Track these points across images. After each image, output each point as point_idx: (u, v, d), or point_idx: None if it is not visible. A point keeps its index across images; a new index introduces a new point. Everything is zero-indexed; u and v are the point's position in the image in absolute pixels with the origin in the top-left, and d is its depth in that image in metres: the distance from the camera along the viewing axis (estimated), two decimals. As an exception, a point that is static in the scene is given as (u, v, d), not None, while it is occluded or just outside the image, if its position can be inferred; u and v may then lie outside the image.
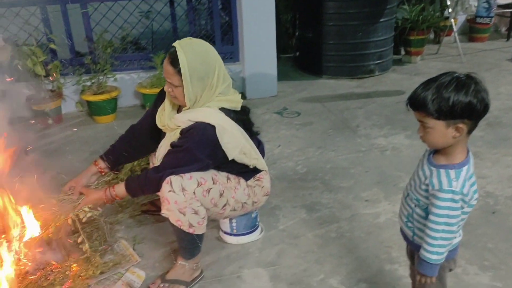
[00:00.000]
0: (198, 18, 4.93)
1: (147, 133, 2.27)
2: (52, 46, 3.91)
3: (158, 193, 1.95)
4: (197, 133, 1.89)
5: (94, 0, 4.15)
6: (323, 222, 2.51)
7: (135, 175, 2.41)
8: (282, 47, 5.22)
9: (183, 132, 1.93)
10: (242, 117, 2.05)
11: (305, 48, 5.30)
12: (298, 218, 2.55)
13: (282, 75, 4.70)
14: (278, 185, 2.84)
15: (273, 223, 2.51)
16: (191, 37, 2.00)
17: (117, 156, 2.34)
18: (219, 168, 2.04)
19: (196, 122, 1.91)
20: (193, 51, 1.87)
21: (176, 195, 1.89)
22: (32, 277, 1.97)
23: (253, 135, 2.13)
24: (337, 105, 4.20)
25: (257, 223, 2.39)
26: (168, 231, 2.42)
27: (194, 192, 1.91)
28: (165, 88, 1.99)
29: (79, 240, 2.12)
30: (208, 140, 1.89)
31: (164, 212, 1.95)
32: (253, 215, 2.34)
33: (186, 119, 1.95)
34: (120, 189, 2.04)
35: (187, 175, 1.91)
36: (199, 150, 1.90)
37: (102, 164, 2.32)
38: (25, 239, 2.05)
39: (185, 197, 1.89)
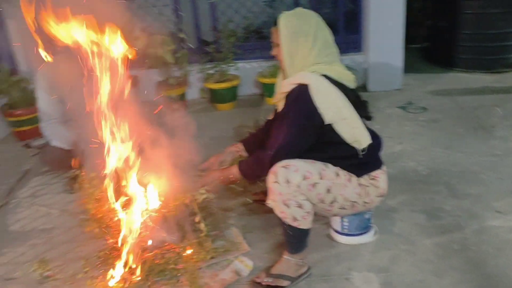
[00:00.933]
0: (322, 7, 4.82)
1: None
2: (182, 35, 4.12)
3: None
4: (293, 94, 1.92)
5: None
6: (444, 230, 2.29)
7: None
8: (410, 37, 4.87)
9: (286, 97, 1.96)
10: (348, 92, 1.95)
11: (437, 38, 4.91)
12: (416, 223, 2.36)
13: (409, 67, 4.40)
14: (396, 185, 2.65)
15: (388, 226, 2.35)
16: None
17: (251, 144, 2.42)
18: (323, 152, 1.96)
19: (296, 85, 1.92)
20: (293, 12, 1.98)
21: (280, 186, 1.87)
22: (149, 254, 2.10)
23: (362, 116, 2.01)
24: (469, 101, 3.80)
25: (370, 224, 2.26)
26: (278, 222, 2.41)
27: (298, 185, 1.87)
28: (272, 53, 2.05)
29: (197, 219, 2.20)
30: (302, 100, 1.88)
31: (269, 202, 1.95)
32: (367, 216, 2.21)
33: (288, 83, 1.96)
34: (234, 169, 2.10)
35: (293, 167, 1.87)
36: (295, 110, 1.90)
37: (240, 147, 2.42)
38: (147, 214, 2.18)
39: (289, 189, 1.87)
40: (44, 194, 3.04)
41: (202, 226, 2.20)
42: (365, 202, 2.03)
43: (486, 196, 2.53)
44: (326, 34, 1.97)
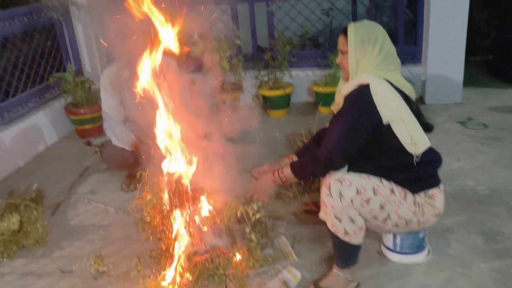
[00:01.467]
0: (380, 16, 4.74)
1: None
2: (238, 42, 4.18)
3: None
4: (353, 93, 1.93)
5: (279, -1, 4.31)
6: (503, 255, 2.18)
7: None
8: (471, 49, 4.70)
9: (345, 98, 1.97)
10: (408, 100, 1.94)
11: (502, 51, 4.68)
12: (473, 246, 2.27)
13: (469, 80, 4.24)
14: (453, 204, 2.56)
15: (443, 247, 2.27)
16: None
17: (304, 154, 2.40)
18: (378, 159, 1.94)
19: (356, 86, 1.93)
20: (361, 22, 2.03)
21: (333, 200, 1.86)
22: (200, 257, 2.14)
23: (422, 125, 1.96)
24: (535, 120, 3.62)
25: (424, 243, 2.19)
26: (328, 234, 2.39)
27: (351, 200, 1.85)
28: (337, 61, 2.09)
29: (247, 230, 2.22)
30: (362, 97, 1.88)
31: (321, 214, 1.95)
32: (421, 235, 2.15)
33: (349, 84, 1.97)
34: (287, 171, 2.07)
35: (347, 181, 1.86)
36: (353, 106, 1.90)
37: (295, 159, 2.39)
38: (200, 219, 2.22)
39: (342, 204, 1.85)
40: (102, 191, 3.18)
41: (253, 237, 2.21)
42: (420, 221, 1.98)
43: (551, 221, 2.40)
44: (390, 46, 1.98)
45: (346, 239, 1.90)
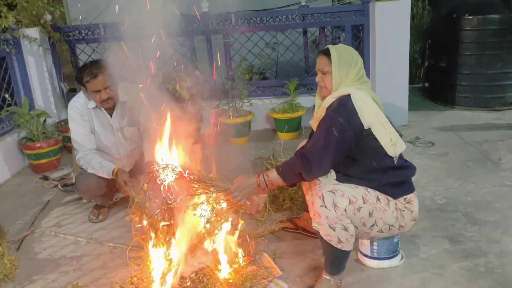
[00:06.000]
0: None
1: None
2: (197, 73, 4.28)
3: (309, 207, 2.04)
4: (335, 103, 2.07)
5: (235, 32, 4.48)
6: (468, 254, 2.38)
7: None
8: (409, 77, 5.13)
9: (327, 108, 2.10)
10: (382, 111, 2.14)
11: (436, 78, 5.15)
12: (440, 248, 2.45)
13: (411, 105, 4.61)
14: (416, 213, 2.76)
15: (414, 251, 2.44)
16: None
17: None
18: (363, 164, 2.07)
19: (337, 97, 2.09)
20: (341, 46, 2.20)
21: (327, 210, 1.96)
22: (189, 283, 2.15)
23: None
24: (474, 137, 3.99)
25: (398, 248, 2.35)
26: (307, 248, 2.49)
27: (345, 210, 1.97)
28: (316, 79, 2.20)
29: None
30: (344, 105, 2.03)
31: (315, 225, 2.03)
32: (395, 240, 2.30)
33: (330, 98, 2.11)
34: (273, 174, 2.07)
35: (340, 192, 1.98)
36: (336, 113, 2.02)
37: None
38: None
39: (336, 213, 1.96)
40: (69, 223, 3.08)
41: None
42: (401, 226, 2.13)
43: (504, 223, 2.65)
44: (363, 70, 2.16)
45: (339, 246, 2.00)
